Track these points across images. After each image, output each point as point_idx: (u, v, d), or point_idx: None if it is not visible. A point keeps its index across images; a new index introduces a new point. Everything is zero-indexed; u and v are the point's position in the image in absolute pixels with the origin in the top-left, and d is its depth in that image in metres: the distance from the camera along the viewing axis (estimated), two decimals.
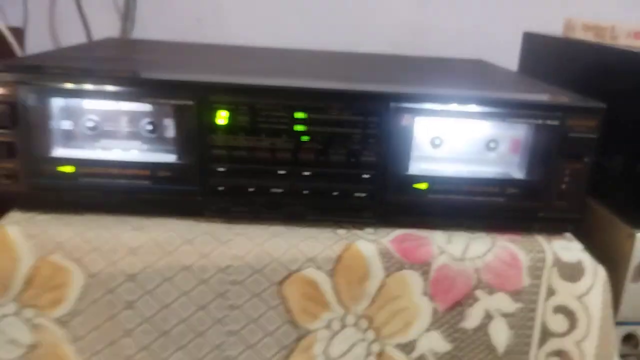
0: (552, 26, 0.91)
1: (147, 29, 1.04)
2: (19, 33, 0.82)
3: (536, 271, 0.50)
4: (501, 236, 0.52)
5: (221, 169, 0.47)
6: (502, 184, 0.50)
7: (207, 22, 1.05)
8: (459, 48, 1.06)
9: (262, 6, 1.05)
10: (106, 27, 1.03)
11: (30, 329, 0.46)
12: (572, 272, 0.50)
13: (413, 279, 0.49)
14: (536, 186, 0.50)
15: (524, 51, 0.94)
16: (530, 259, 0.50)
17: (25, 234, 0.46)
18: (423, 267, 0.49)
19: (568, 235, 0.53)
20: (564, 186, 0.50)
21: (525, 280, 0.49)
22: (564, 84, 0.59)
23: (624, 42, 0.65)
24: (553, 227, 0.53)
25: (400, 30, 1.07)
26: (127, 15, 1.04)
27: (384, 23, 1.06)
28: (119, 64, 0.52)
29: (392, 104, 0.46)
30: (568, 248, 0.51)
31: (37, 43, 0.99)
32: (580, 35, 0.74)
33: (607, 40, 0.67)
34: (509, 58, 0.94)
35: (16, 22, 0.98)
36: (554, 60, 0.80)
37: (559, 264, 0.50)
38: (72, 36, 1.01)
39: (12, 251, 0.45)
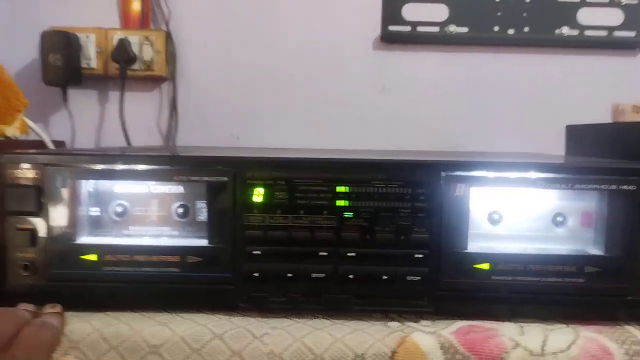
0: (594, 117, 0.88)
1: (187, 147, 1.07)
2: (61, 146, 0.84)
3: None
4: (584, 327, 0.43)
5: (256, 252, 0.43)
6: (579, 261, 0.43)
7: (245, 139, 1.07)
8: (502, 146, 1.04)
9: (298, 121, 1.07)
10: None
11: None
12: None
13: None
14: (619, 263, 0.43)
15: (569, 144, 0.90)
16: (625, 351, 0.41)
17: None
18: None
19: None
20: None
21: None
22: None
23: None
24: None
25: (433, 136, 1.05)
26: (169, 135, 1.08)
27: (417, 129, 1.05)
28: (152, 150, 0.51)
29: (444, 173, 0.42)
30: None
31: None
32: (631, 118, 0.70)
33: None
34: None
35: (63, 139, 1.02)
36: (604, 147, 0.76)
37: None
38: None
39: None
